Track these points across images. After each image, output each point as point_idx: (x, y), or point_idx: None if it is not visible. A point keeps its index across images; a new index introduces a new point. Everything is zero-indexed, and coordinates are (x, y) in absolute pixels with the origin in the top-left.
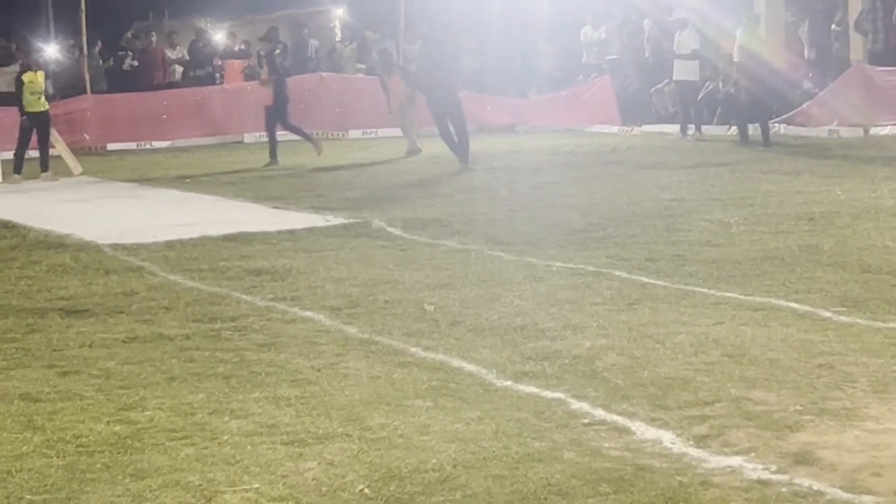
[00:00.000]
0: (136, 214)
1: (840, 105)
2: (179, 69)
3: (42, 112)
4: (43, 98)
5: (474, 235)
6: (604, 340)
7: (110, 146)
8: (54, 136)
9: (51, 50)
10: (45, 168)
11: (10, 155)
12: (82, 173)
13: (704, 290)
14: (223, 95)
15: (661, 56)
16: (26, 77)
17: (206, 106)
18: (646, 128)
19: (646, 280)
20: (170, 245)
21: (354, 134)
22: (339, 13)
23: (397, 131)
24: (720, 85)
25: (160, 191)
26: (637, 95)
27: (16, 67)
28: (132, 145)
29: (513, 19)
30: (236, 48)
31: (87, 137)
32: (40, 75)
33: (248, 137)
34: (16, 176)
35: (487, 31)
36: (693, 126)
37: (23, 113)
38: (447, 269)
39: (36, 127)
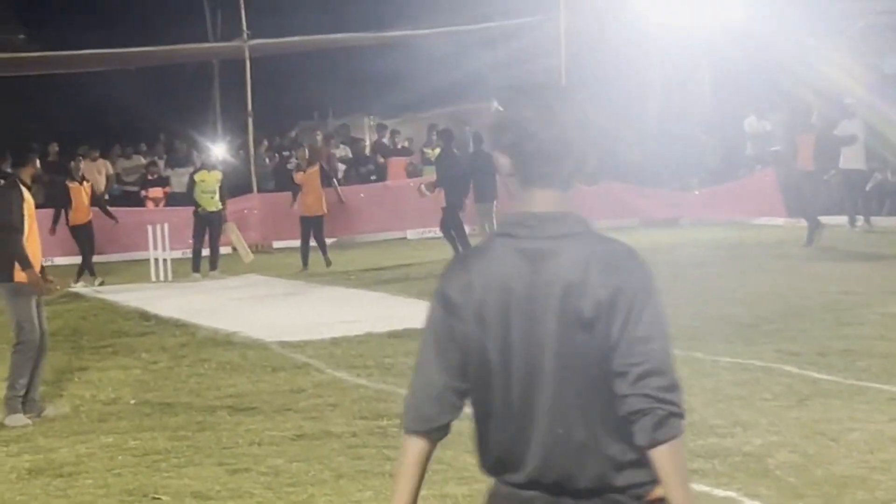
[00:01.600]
0: (302, 311)
1: None
2: (342, 167)
3: (214, 212)
4: (216, 197)
5: None
6: (775, 437)
7: (276, 244)
8: (229, 225)
9: (219, 150)
10: (213, 267)
11: (180, 254)
12: (252, 261)
13: (878, 386)
14: (385, 192)
15: (828, 146)
16: (198, 176)
17: (369, 203)
18: None
19: (816, 375)
20: (335, 342)
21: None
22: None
23: None
24: (889, 175)
25: (325, 288)
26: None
27: (190, 168)
28: (296, 243)
29: (674, 110)
30: (399, 146)
31: (254, 235)
32: (214, 175)
33: (411, 234)
34: (195, 275)
35: (647, 122)
36: (861, 217)
37: (196, 210)
38: None
39: (208, 226)
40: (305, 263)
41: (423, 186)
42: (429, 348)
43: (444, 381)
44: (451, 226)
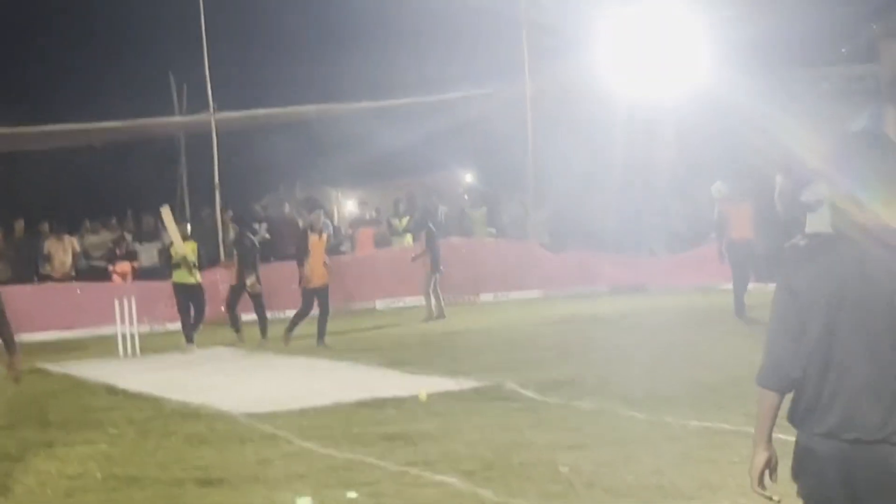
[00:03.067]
0: (270, 382)
1: None
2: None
3: (192, 284)
4: (194, 270)
5: (608, 395)
6: (743, 500)
7: (245, 317)
8: (164, 209)
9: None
10: (189, 339)
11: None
12: (185, 256)
13: None
14: (354, 263)
15: (794, 212)
16: (172, 249)
17: (338, 273)
18: None
19: (785, 437)
20: (303, 412)
21: (486, 297)
22: (468, 177)
23: (528, 293)
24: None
25: (293, 358)
26: (770, 252)
27: (159, 243)
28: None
29: (639, 176)
30: (367, 216)
31: (223, 309)
32: (189, 245)
33: (380, 304)
34: (189, 345)
35: (612, 188)
36: None
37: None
38: (581, 429)
39: (190, 299)
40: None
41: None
42: (780, 325)
43: (793, 350)
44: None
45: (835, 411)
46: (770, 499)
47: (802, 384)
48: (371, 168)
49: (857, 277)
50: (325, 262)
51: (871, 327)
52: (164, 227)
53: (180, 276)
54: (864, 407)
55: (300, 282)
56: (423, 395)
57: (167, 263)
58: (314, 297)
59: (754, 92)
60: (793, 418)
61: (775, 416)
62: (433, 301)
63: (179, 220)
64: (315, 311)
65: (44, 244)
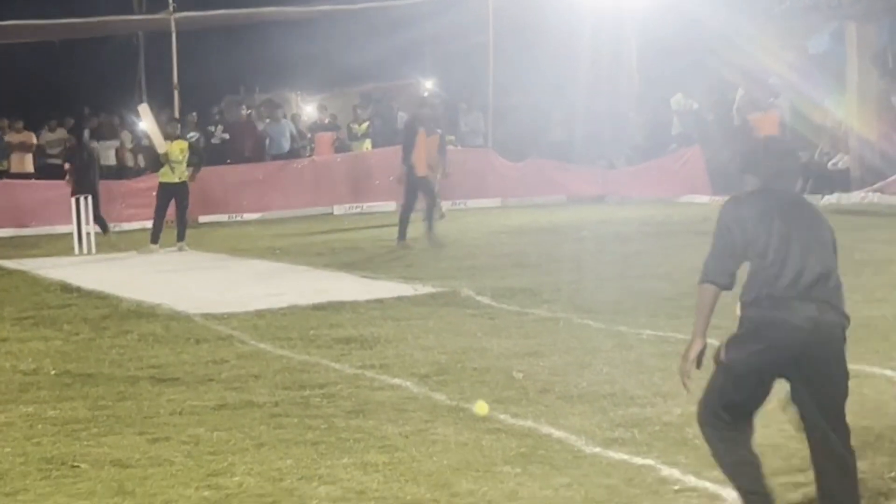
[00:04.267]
0: (226, 284)
1: None
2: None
3: (179, 183)
4: (180, 168)
5: (563, 304)
6: (694, 407)
7: (202, 218)
8: (142, 107)
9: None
10: (181, 238)
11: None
12: (166, 153)
13: None
14: (313, 167)
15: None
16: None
17: (296, 178)
18: None
19: None
20: (260, 314)
21: (444, 205)
22: (429, 85)
23: (486, 201)
24: (814, 155)
25: (250, 261)
26: (727, 165)
27: (116, 142)
28: (223, 217)
29: (602, 88)
30: (326, 121)
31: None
32: (177, 144)
33: (338, 209)
34: (151, 246)
35: (576, 100)
36: None
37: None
38: (536, 337)
39: (174, 197)
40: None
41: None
42: (722, 245)
43: (733, 260)
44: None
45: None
46: (685, 386)
47: (764, 269)
48: (331, 73)
49: (781, 214)
50: (433, 164)
51: (802, 239)
52: (144, 126)
53: (164, 175)
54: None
55: (404, 175)
56: (482, 409)
57: (154, 162)
58: (418, 188)
59: (718, 5)
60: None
61: (713, 310)
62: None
63: (170, 120)
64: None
65: (1, 139)
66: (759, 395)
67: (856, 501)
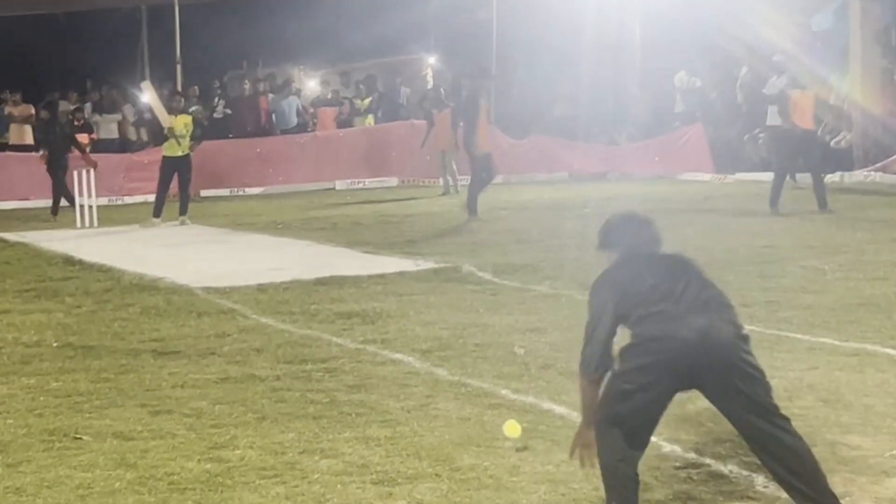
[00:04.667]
0: (228, 258)
1: None
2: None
3: (182, 157)
4: (184, 142)
5: (565, 280)
6: None
7: (204, 192)
8: (146, 84)
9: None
10: (183, 211)
11: (106, 200)
12: (171, 128)
13: (798, 336)
14: (315, 143)
15: (755, 103)
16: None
17: (298, 153)
18: (739, 175)
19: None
20: (262, 288)
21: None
22: (432, 61)
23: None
24: (818, 132)
25: (253, 236)
26: (730, 143)
27: (119, 116)
28: (225, 192)
29: (606, 65)
30: (329, 96)
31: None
32: (181, 119)
33: (340, 184)
34: (154, 220)
35: (580, 77)
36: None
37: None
38: (537, 313)
39: (177, 171)
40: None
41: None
42: (602, 326)
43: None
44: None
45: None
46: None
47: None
48: (334, 49)
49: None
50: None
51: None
52: (148, 102)
53: (169, 149)
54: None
55: (471, 148)
56: (514, 431)
57: (158, 137)
58: (483, 162)
59: None
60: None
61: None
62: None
63: (172, 94)
64: None
65: (2, 110)
66: (650, 410)
67: (823, 480)
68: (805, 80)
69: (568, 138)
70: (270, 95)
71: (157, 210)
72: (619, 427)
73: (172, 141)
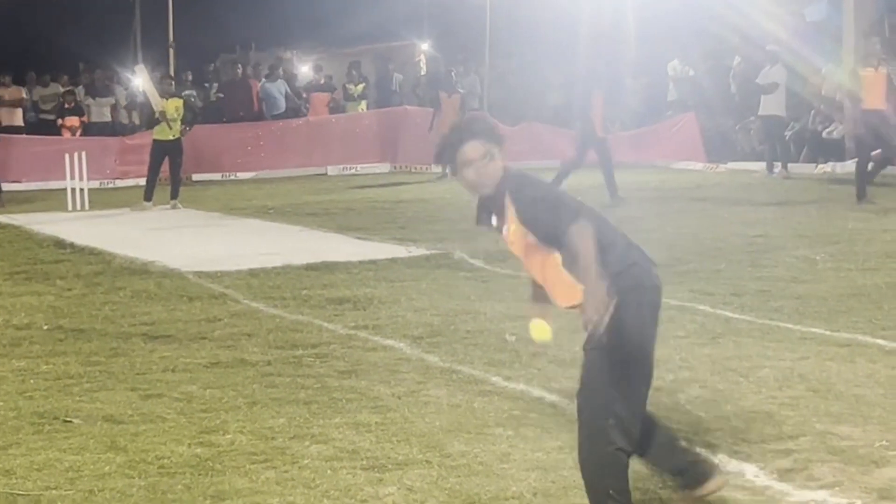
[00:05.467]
0: (220, 243)
1: None
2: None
3: (173, 140)
4: (175, 126)
5: None
6: (687, 373)
7: (196, 177)
8: (139, 67)
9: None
10: (174, 195)
11: (97, 184)
12: (163, 111)
13: (790, 326)
14: (307, 128)
15: (748, 92)
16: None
17: (290, 138)
18: (731, 165)
19: (730, 314)
20: (253, 273)
21: (437, 168)
22: (425, 47)
23: None
24: (808, 122)
25: (244, 221)
26: (723, 132)
27: (111, 99)
28: (217, 176)
29: (600, 54)
30: (321, 81)
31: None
32: (172, 102)
33: (332, 170)
34: (145, 203)
35: (574, 66)
36: (779, 163)
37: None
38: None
39: (167, 155)
40: None
41: None
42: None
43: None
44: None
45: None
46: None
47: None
48: (328, 34)
49: None
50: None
51: None
52: (141, 86)
53: (159, 132)
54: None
55: (592, 135)
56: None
57: (150, 120)
58: (593, 147)
59: None
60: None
61: None
62: None
63: (164, 77)
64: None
65: None
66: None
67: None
68: (798, 70)
69: (561, 126)
70: (263, 80)
71: (148, 193)
72: (632, 408)
73: (164, 124)
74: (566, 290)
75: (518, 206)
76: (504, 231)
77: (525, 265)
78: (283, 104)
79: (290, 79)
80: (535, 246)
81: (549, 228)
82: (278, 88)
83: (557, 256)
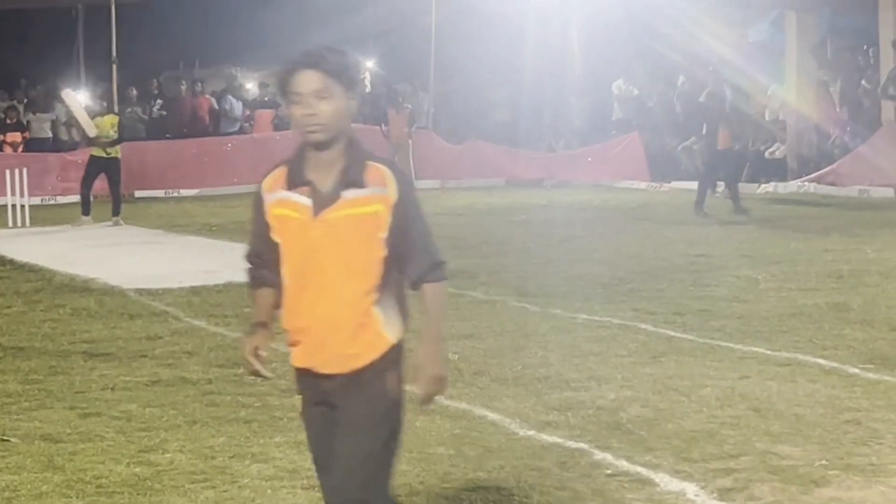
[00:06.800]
0: (161, 260)
1: (871, 165)
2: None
3: (106, 158)
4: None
5: (500, 287)
6: (628, 392)
7: (138, 193)
8: (66, 92)
9: (82, 98)
10: (116, 212)
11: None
12: (97, 136)
13: (731, 345)
14: (252, 144)
15: (692, 112)
16: (94, 121)
17: (234, 155)
18: (674, 184)
19: (672, 334)
20: (195, 291)
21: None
22: (370, 65)
23: (425, 182)
24: (749, 143)
25: (187, 238)
26: (667, 152)
27: (52, 115)
28: (160, 193)
29: (545, 72)
30: (266, 98)
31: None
32: (108, 119)
33: None
34: (84, 218)
35: (519, 83)
36: (722, 183)
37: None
38: (472, 319)
39: (104, 172)
40: None
41: None
42: None
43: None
44: None
45: None
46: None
47: None
48: (272, 50)
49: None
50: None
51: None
52: (70, 111)
53: (97, 149)
54: None
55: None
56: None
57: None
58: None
59: None
60: None
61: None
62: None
63: (97, 94)
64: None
65: None
66: None
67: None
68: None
69: (506, 145)
70: (229, 97)
71: (85, 208)
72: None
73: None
74: (357, 318)
75: (406, 196)
76: (324, 206)
77: (302, 265)
78: (238, 122)
79: (239, 96)
80: (360, 248)
81: (420, 247)
82: (236, 106)
83: (377, 279)
